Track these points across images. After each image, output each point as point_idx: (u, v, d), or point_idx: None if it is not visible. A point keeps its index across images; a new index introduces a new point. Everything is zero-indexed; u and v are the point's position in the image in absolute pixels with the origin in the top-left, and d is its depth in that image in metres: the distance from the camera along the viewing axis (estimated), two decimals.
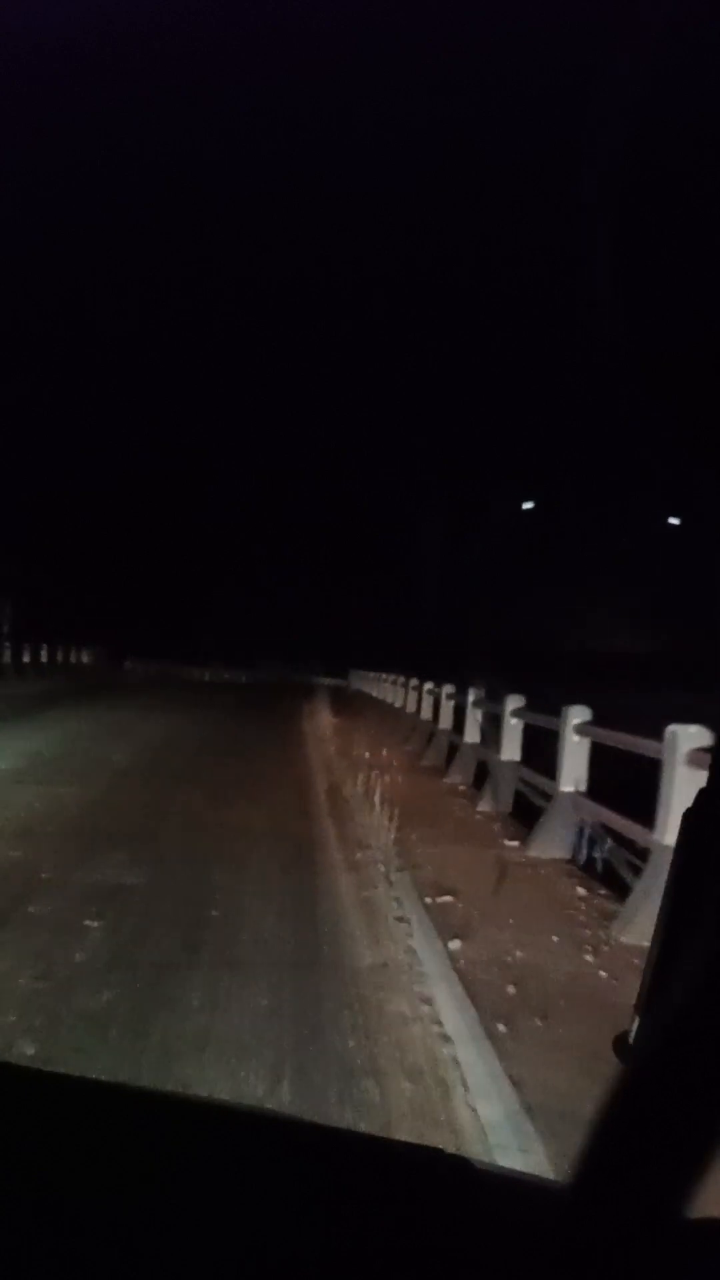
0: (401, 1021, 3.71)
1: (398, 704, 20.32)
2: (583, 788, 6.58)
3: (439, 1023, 3.69)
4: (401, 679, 20.46)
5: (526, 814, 8.39)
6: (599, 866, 6.12)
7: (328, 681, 40.09)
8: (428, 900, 5.20)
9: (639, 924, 4.55)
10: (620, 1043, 0.88)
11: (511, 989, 3.89)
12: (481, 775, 10.29)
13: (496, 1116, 2.89)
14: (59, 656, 40.37)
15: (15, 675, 32.66)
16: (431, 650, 31.05)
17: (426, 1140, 2.57)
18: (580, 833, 6.40)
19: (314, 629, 62.51)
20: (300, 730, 18.13)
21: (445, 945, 4.37)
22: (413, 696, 17.70)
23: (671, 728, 4.76)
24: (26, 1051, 3.24)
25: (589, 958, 4.45)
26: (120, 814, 7.72)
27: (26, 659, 35.88)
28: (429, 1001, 3.92)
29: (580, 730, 6.60)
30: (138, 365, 79.82)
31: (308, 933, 4.79)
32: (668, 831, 4.68)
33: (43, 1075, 0.97)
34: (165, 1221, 0.67)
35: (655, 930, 0.69)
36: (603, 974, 4.26)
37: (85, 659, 46.83)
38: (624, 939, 4.60)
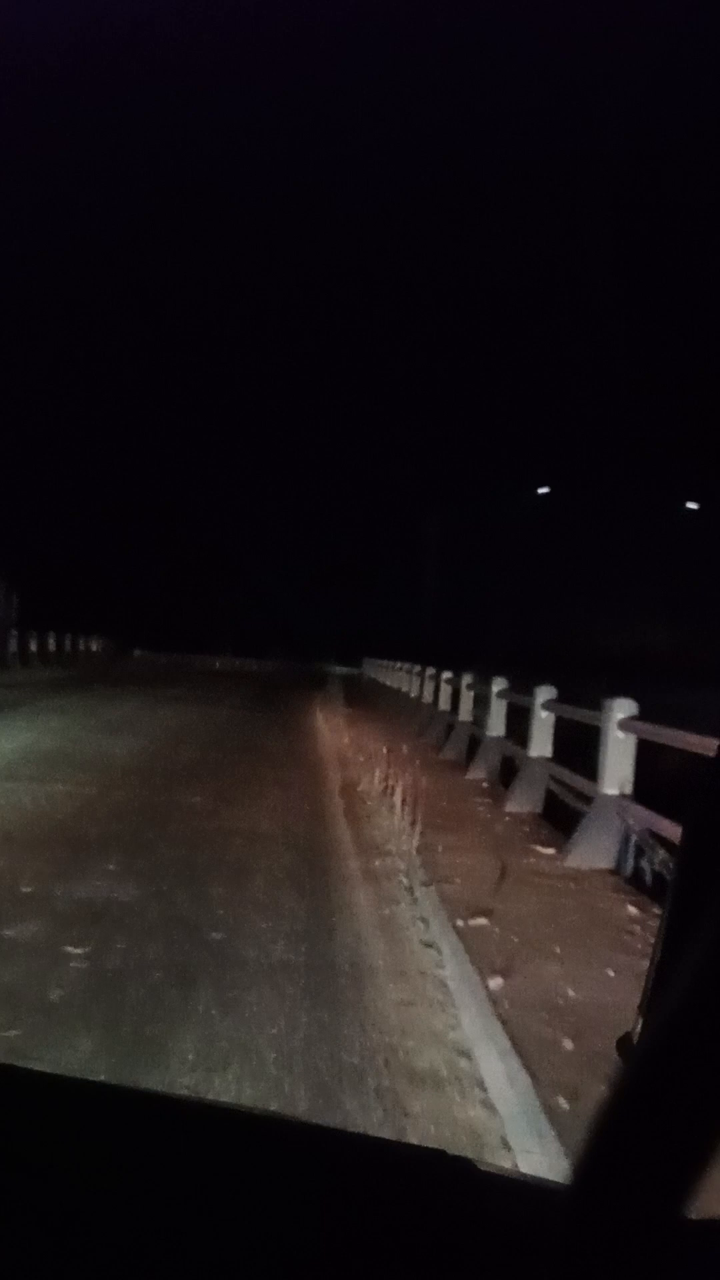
0: (435, 1085, 3.05)
1: (413, 693, 19.66)
2: (628, 790, 5.89)
3: (482, 1086, 3.03)
4: (417, 668, 19.81)
5: (557, 815, 7.73)
6: (648, 879, 5.45)
7: (341, 670, 39.44)
8: (459, 923, 4.53)
9: None
10: (624, 1043, 0.85)
11: (569, 1044, 3.22)
12: (506, 771, 9.64)
13: None
14: (67, 645, 39.78)
15: (21, 664, 32.14)
16: (446, 643, 30.39)
17: None
18: (626, 841, 5.72)
19: (326, 620, 61.87)
20: (313, 721, 17.50)
21: (484, 982, 3.70)
22: (429, 686, 17.02)
23: None
24: None
25: None
26: (116, 815, 7.08)
27: (34, 647, 35.29)
28: (467, 1055, 3.27)
29: (625, 726, 5.90)
30: (148, 361, 79.32)
31: (321, 962, 4.14)
32: None
33: (43, 1077, 0.95)
34: (166, 1222, 0.67)
35: (659, 927, 0.66)
36: None
37: (94, 648, 46.30)
38: None
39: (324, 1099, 2.93)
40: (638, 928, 4.65)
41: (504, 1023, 3.37)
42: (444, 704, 14.94)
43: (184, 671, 36.90)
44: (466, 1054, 3.29)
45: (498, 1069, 3.04)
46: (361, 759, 10.98)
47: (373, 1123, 2.80)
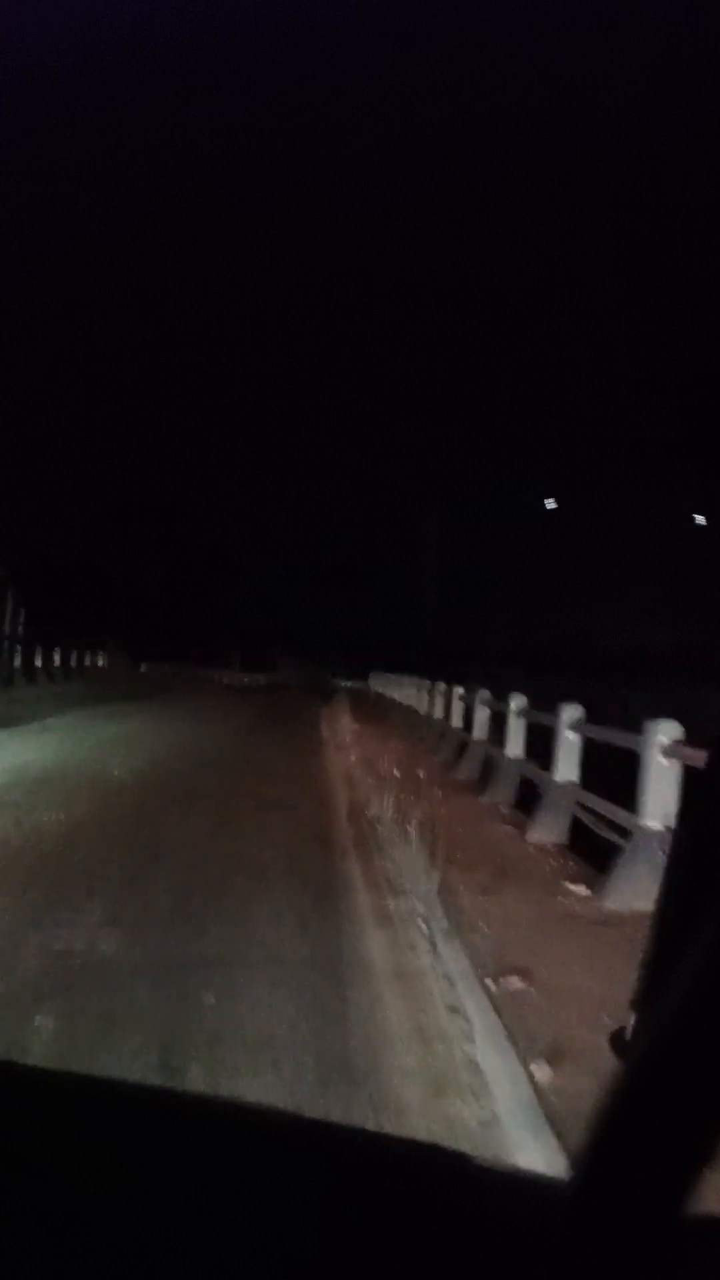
0: None
1: (422, 709, 19.04)
2: (672, 824, 5.28)
3: None
4: (427, 683, 19.20)
5: (582, 844, 7.12)
6: None
7: (347, 684, 38.79)
8: (490, 984, 3.92)
9: None
10: (617, 1039, 0.84)
11: None
12: (525, 794, 9.02)
13: None
14: (72, 660, 39.28)
15: (26, 680, 31.63)
16: (446, 643, 29.81)
17: None
18: None
19: (327, 619, 61.26)
20: (319, 738, 16.90)
21: (527, 1071, 3.08)
22: (440, 701, 16.41)
23: None
24: None
25: None
26: (106, 847, 6.49)
27: (38, 663, 34.78)
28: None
29: (670, 753, 5.29)
30: (148, 361, 79.09)
31: (332, 1031, 3.54)
32: None
33: (43, 1073, 0.95)
34: (165, 1219, 0.66)
35: (653, 920, 0.65)
36: None
37: (100, 663, 45.77)
38: None
39: None
40: None
41: (555, 1127, 2.76)
42: (456, 720, 14.34)
43: (188, 685, 36.37)
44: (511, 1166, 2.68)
45: None
46: (371, 780, 10.38)
47: None
